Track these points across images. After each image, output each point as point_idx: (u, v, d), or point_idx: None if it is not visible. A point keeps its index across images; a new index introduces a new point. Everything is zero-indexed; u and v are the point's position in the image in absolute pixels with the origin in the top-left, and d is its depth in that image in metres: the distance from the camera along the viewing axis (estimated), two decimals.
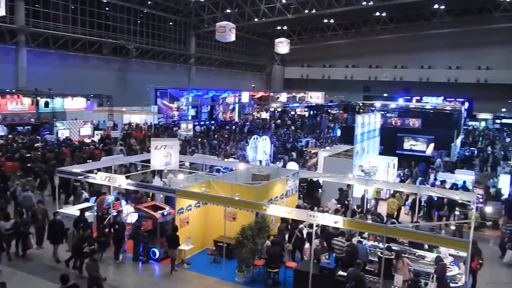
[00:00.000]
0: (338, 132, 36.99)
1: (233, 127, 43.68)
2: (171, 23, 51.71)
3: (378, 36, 59.10)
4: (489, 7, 50.30)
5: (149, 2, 47.13)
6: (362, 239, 12.55)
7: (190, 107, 46.27)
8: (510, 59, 54.68)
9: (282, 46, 51.07)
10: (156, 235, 12.55)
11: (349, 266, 10.63)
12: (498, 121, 55.86)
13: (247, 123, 47.56)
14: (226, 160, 22.64)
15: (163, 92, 43.21)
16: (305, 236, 12.47)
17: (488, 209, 17.01)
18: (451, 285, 10.49)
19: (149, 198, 15.11)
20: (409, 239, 11.65)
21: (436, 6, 50.91)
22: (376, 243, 12.37)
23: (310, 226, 11.52)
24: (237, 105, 53.59)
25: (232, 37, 40.83)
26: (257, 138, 24.11)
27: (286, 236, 12.72)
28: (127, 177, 13.44)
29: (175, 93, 44.31)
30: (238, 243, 11.33)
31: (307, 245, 12.08)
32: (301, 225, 12.80)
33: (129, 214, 13.64)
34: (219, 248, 12.27)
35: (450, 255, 11.64)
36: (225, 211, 11.84)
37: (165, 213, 12.74)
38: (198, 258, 12.96)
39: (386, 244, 10.85)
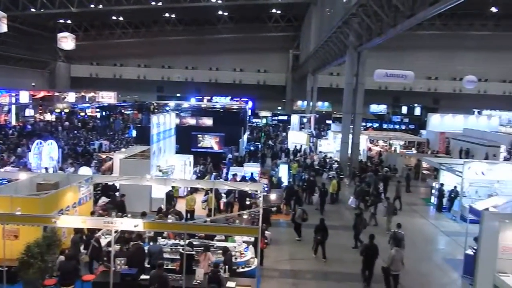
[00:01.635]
0: (133, 133, 36.19)
1: (10, 131, 38.01)
2: None
3: (169, 37, 60.19)
4: (264, 17, 56.98)
5: None
6: (163, 238, 12.56)
7: None
8: (282, 64, 63.22)
9: (67, 41, 46.98)
10: None
11: (134, 266, 10.59)
12: (275, 118, 63.89)
13: (28, 126, 42.09)
14: (2, 170, 19.52)
15: None
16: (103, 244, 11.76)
17: (272, 196, 19.23)
18: (246, 269, 11.46)
19: None
20: (208, 233, 12.21)
21: (220, 12, 54.81)
22: (177, 241, 12.54)
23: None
24: (14, 106, 46.78)
25: (3, 28, 35.39)
26: (41, 143, 21.53)
27: (82, 248, 11.74)
28: None
29: None
30: (22, 264, 9.86)
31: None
32: (98, 233, 12.02)
33: None
34: None
35: (244, 242, 12.70)
36: (4, 229, 10.17)
37: None
38: None
39: (188, 240, 11.11)
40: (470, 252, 13.00)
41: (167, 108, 37.67)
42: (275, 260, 13.92)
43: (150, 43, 61.02)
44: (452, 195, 20.12)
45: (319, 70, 50.11)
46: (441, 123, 45.54)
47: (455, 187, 19.91)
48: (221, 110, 37.90)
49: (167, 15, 56.02)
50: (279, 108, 66.91)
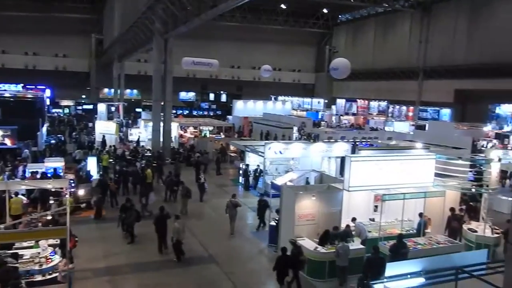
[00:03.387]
0: None
1: None
2: None
3: None
4: None
5: None
6: None
7: None
8: (84, 49, 58.53)
9: None
10: None
11: None
12: (80, 107, 59.16)
13: None
14: None
15: None
16: None
17: (81, 192, 17.88)
18: (54, 274, 10.42)
19: None
20: (3, 242, 10.63)
21: None
22: None
23: None
24: None
25: None
26: None
27: None
28: None
29: None
30: None
31: None
32: None
33: None
34: None
35: (49, 245, 11.46)
36: None
37: None
38: None
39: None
40: (273, 223, 14.58)
41: None
42: (88, 259, 13.05)
43: None
44: (257, 174, 22.15)
45: (125, 56, 48.34)
46: (244, 108, 49.39)
47: (258, 166, 21.97)
48: (12, 99, 32.96)
49: None
50: (84, 96, 62.10)
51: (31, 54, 56.10)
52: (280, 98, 59.38)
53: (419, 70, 45.54)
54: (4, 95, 35.76)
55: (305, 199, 13.04)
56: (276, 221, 14.33)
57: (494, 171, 13.71)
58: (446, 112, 41.17)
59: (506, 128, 34.54)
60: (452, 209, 14.23)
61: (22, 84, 52.87)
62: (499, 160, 15.33)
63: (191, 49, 47.93)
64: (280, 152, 20.55)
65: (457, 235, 14.23)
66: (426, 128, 32.68)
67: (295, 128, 37.06)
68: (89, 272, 12.25)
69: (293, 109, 56.53)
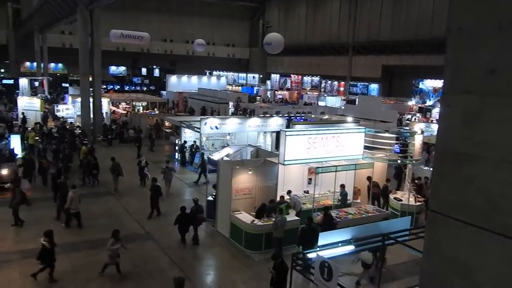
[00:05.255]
0: None
1: None
2: None
3: None
4: None
5: None
6: None
7: None
8: (0, 19, 53.56)
9: None
10: None
11: None
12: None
13: None
14: None
15: None
16: None
17: (4, 171, 16.81)
18: None
19: None
20: None
21: None
22: None
23: None
24: None
25: None
26: None
27: None
28: None
29: None
30: None
31: None
32: None
33: None
34: None
35: None
36: None
37: None
38: None
39: None
40: (210, 198, 14.64)
41: None
42: (16, 241, 12.37)
43: None
44: (193, 150, 21.97)
45: (47, 28, 45.05)
46: (179, 83, 48.37)
47: (195, 141, 21.79)
48: None
49: None
50: (2, 70, 57.28)
51: None
52: (215, 73, 58.71)
53: (348, 46, 47.02)
54: None
55: (242, 173, 13.20)
56: (213, 196, 14.40)
57: (417, 143, 14.66)
58: (374, 87, 43.11)
59: (428, 102, 36.97)
60: (369, 178, 14.97)
61: None
62: (422, 132, 16.45)
63: (120, 21, 45.78)
64: (216, 128, 20.51)
65: (378, 200, 15.24)
66: (356, 103, 34.08)
67: (231, 103, 37.01)
68: (18, 254, 11.63)
69: (228, 84, 56.27)
